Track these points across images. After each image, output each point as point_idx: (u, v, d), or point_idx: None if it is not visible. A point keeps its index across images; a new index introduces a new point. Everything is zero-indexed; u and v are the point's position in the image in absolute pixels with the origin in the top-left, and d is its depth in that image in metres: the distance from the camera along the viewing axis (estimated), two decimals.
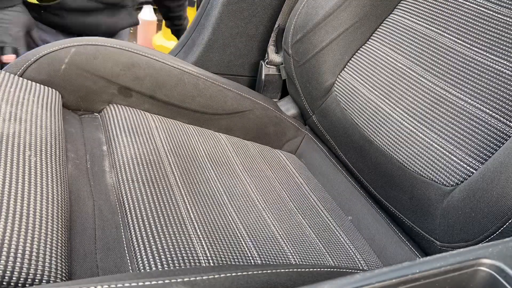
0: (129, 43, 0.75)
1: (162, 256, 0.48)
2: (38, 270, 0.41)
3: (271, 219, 0.64)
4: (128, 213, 0.53)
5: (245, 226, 0.59)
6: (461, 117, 0.59)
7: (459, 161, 0.58)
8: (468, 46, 0.62)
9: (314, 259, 0.60)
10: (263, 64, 0.94)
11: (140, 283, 0.34)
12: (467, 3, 0.64)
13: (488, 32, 0.60)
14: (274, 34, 0.93)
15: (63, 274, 0.43)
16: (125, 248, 0.51)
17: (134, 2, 1.31)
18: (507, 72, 0.57)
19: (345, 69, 0.78)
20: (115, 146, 0.63)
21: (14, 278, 0.39)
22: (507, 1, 0.60)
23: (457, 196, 0.55)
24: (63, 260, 0.44)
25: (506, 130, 0.55)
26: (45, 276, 0.41)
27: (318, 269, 0.45)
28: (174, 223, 0.53)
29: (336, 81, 0.78)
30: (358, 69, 0.76)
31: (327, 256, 0.61)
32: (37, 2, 1.09)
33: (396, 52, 0.71)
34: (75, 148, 0.63)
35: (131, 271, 0.48)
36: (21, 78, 0.65)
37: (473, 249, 0.25)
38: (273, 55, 0.93)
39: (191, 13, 1.78)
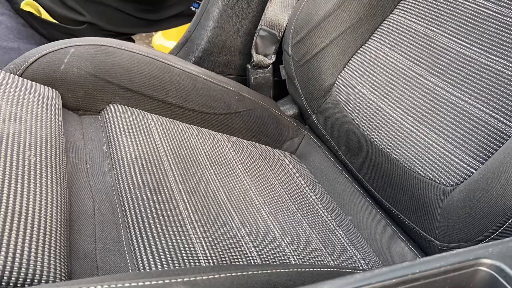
0: (129, 43, 0.75)
1: (162, 256, 0.48)
2: (38, 270, 0.41)
3: (271, 219, 0.64)
4: (128, 213, 0.53)
5: (245, 226, 0.59)
6: (461, 117, 0.59)
7: (459, 161, 0.58)
8: (468, 46, 0.62)
9: (314, 259, 0.60)
10: (249, 68, 0.92)
11: (140, 283, 0.34)
12: (467, 3, 0.64)
13: (488, 32, 0.60)
14: (256, 36, 0.91)
15: (63, 274, 0.43)
16: (125, 248, 0.51)
17: None
18: (507, 72, 0.57)
19: (345, 69, 0.78)
20: (115, 146, 0.63)
21: (13, 278, 0.39)
22: (507, 1, 0.60)
23: (457, 196, 0.55)
24: (62, 260, 0.44)
25: (506, 130, 0.55)
26: (44, 276, 0.41)
27: (318, 269, 0.45)
28: (174, 223, 0.53)
29: (336, 81, 0.78)
30: (358, 69, 0.76)
31: (327, 256, 0.61)
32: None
33: (396, 52, 0.71)
34: (75, 148, 0.63)
35: (131, 271, 0.48)
36: (21, 78, 0.65)
37: (473, 249, 0.25)
38: (259, 57, 0.91)
39: None
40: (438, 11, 0.68)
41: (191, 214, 0.56)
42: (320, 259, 0.60)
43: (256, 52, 0.91)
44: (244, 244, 0.56)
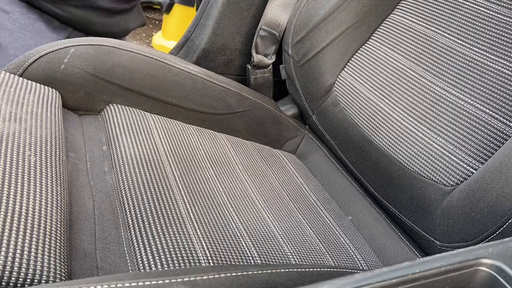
0: (129, 43, 0.75)
1: (162, 256, 0.48)
2: (38, 270, 0.41)
3: (271, 219, 0.64)
4: (128, 213, 0.53)
5: (245, 226, 0.59)
6: (461, 117, 0.59)
7: (459, 161, 0.58)
8: (468, 46, 0.62)
9: (314, 259, 0.60)
10: (249, 68, 0.92)
11: (140, 283, 0.34)
12: (467, 3, 0.64)
13: (488, 32, 0.60)
14: (256, 36, 0.91)
15: (63, 274, 0.43)
16: (125, 248, 0.51)
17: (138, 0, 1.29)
18: (507, 72, 0.57)
19: (345, 69, 0.78)
20: (115, 146, 0.63)
21: (13, 277, 0.39)
22: (507, 1, 0.60)
23: (457, 196, 0.55)
24: (62, 260, 0.44)
25: (506, 130, 0.55)
26: (44, 276, 0.41)
27: (318, 269, 0.45)
28: (174, 223, 0.53)
29: (336, 81, 0.78)
30: (358, 69, 0.76)
31: (327, 256, 0.61)
32: None
33: (396, 52, 0.71)
34: (75, 148, 0.63)
35: (131, 271, 0.48)
36: (21, 78, 0.65)
37: (473, 249, 0.25)
38: (258, 57, 0.91)
39: (191, 13, 1.78)
40: (438, 11, 0.68)
41: (191, 214, 0.56)
42: (320, 259, 0.60)
43: (256, 52, 0.91)
44: (244, 244, 0.56)
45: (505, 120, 0.55)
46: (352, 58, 0.78)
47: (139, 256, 0.48)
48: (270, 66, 0.93)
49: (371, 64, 0.74)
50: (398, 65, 0.70)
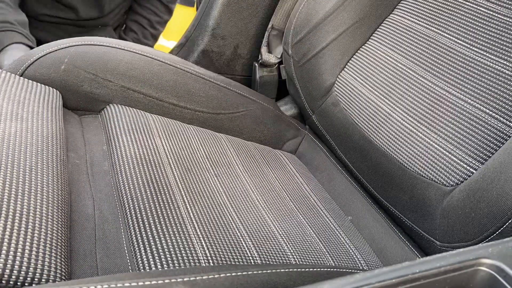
0: (129, 43, 0.75)
1: (162, 256, 0.48)
2: (38, 270, 0.41)
3: (271, 219, 0.64)
4: (128, 213, 0.53)
5: (245, 226, 0.59)
6: (461, 117, 0.59)
7: (459, 161, 0.58)
8: (468, 46, 0.62)
9: (314, 259, 0.60)
10: (257, 66, 0.93)
11: (140, 283, 0.34)
12: (467, 3, 0.64)
13: (488, 32, 0.60)
14: (267, 35, 0.92)
15: (63, 274, 0.43)
16: (125, 248, 0.51)
17: (114, 21, 1.26)
18: (507, 72, 0.57)
19: (345, 69, 0.78)
20: (115, 146, 0.63)
21: (13, 277, 0.39)
22: (507, 1, 0.60)
23: (457, 196, 0.55)
24: (63, 259, 0.44)
25: (506, 130, 0.55)
26: (44, 275, 0.41)
27: (318, 269, 0.45)
28: (174, 223, 0.53)
29: (336, 81, 0.78)
30: (358, 69, 0.76)
31: (327, 256, 0.61)
32: None
33: (396, 52, 0.71)
34: (75, 148, 0.63)
35: (131, 271, 0.48)
36: (21, 78, 0.65)
37: (473, 249, 0.25)
38: (266, 56, 0.92)
39: (191, 13, 1.78)
40: (438, 11, 0.68)
41: (191, 214, 0.56)
42: (320, 259, 0.60)
43: (268, 51, 0.92)
44: (244, 244, 0.56)
45: (505, 120, 0.55)
46: (352, 58, 0.78)
47: (139, 256, 0.48)
48: (277, 65, 0.93)
49: (371, 64, 0.74)
50: (398, 65, 0.70)
